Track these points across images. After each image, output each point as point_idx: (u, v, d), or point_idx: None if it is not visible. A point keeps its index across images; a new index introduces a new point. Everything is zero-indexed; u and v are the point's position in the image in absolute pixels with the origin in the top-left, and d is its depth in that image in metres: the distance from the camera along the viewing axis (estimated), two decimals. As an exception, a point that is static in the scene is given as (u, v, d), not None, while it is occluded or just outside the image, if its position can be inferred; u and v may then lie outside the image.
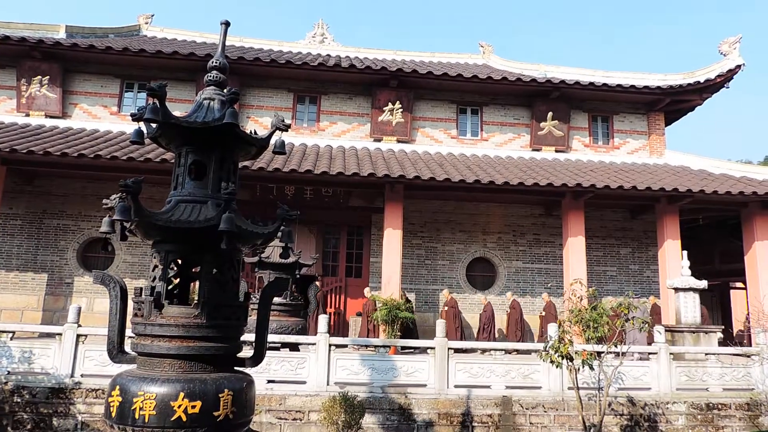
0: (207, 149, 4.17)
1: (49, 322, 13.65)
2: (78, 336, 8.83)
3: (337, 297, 15.23)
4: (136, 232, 3.97)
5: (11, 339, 8.97)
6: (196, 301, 4.04)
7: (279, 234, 4.43)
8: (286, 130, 4.44)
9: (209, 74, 4.41)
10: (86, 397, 8.55)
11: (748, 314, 14.85)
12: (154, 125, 4.07)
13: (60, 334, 8.89)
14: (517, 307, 14.25)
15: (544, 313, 14.18)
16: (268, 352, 8.90)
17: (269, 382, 8.75)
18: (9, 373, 8.76)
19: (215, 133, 4.05)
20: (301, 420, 8.46)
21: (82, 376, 8.75)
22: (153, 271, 4.12)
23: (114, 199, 3.96)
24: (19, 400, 8.57)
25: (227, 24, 4.54)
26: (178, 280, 4.34)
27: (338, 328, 14.68)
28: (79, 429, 8.46)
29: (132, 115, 4.14)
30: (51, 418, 8.52)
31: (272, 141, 4.45)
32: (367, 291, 14.05)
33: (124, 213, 3.67)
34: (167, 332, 3.85)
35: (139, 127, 4.09)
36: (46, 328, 10.25)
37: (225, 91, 4.33)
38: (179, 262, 4.24)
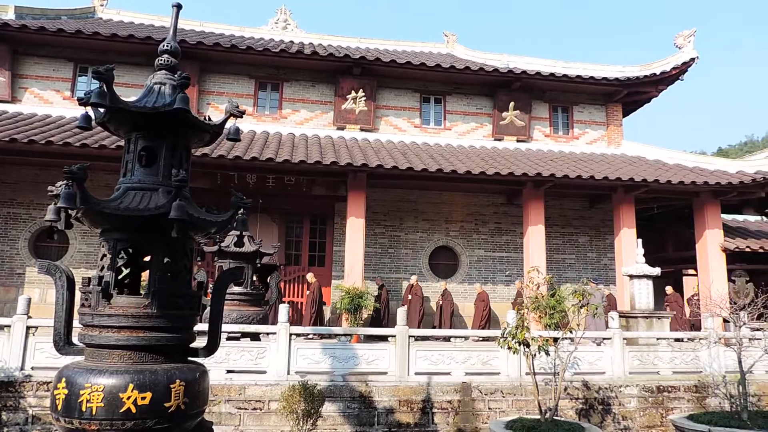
0: (158, 135, 4.07)
1: (-1, 314, 13.18)
2: (28, 328, 8.55)
3: (301, 286, 15.14)
4: (82, 220, 3.86)
5: (-43, 332, 8.63)
6: (146, 291, 3.96)
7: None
8: (241, 117, 4.35)
9: (160, 58, 4.30)
10: (37, 390, 8.30)
11: (692, 297, 15.44)
12: (102, 110, 3.95)
13: (9, 326, 8.59)
14: (486, 298, 14.51)
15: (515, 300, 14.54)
16: (228, 342, 8.87)
17: (228, 372, 8.66)
18: (-45, 367, 8.43)
19: (166, 119, 3.95)
20: (261, 410, 8.41)
21: (32, 368, 8.48)
22: (101, 260, 4.02)
23: (60, 186, 3.84)
24: (-35, 395, 8.27)
25: (179, 6, 4.43)
26: (128, 269, 4.24)
27: (301, 317, 14.60)
28: (30, 423, 8.22)
29: (79, 99, 4.00)
30: (0, 412, 8.25)
31: (226, 127, 4.36)
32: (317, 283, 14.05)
33: (69, 200, 3.57)
34: (116, 323, 3.76)
35: (86, 112, 3.96)
36: (-7, 320, 9.89)
37: (176, 75, 4.23)
38: (130, 250, 4.14)
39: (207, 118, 4.52)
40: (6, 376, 8.41)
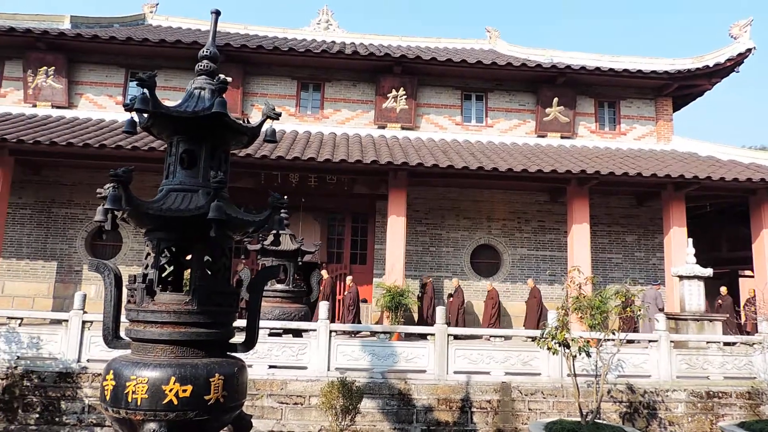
0: (197, 138, 4.22)
1: (59, 309, 13.86)
2: (84, 322, 9.00)
3: (343, 284, 15.30)
4: (128, 220, 4.05)
5: (20, 325, 9.17)
6: (187, 288, 4.12)
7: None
8: (277, 119, 4.46)
9: (200, 63, 4.45)
10: (92, 381, 8.73)
11: (749, 299, 14.72)
12: (145, 115, 4.13)
13: (66, 321, 9.07)
14: (495, 296, 14.29)
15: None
16: (270, 338, 9.07)
17: (271, 367, 8.87)
18: (18, 358, 8.97)
19: (205, 123, 4.10)
20: (301, 405, 8.58)
21: (88, 361, 8.93)
22: (146, 258, 4.21)
23: (108, 188, 4.03)
24: (28, 384, 8.78)
25: (218, 13, 4.58)
26: (171, 267, 4.42)
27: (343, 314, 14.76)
28: (86, 412, 8.66)
29: (124, 105, 4.19)
30: (59, 401, 8.72)
31: (264, 129, 4.48)
32: (349, 280, 14.11)
33: (115, 202, 3.75)
34: (159, 318, 3.93)
35: (132, 117, 4.15)
36: (51, 314, 10.48)
37: (215, 79, 4.38)
38: (173, 249, 4.31)
39: (246, 120, 4.65)
40: (64, 367, 8.89)
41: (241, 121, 4.41)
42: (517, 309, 15.07)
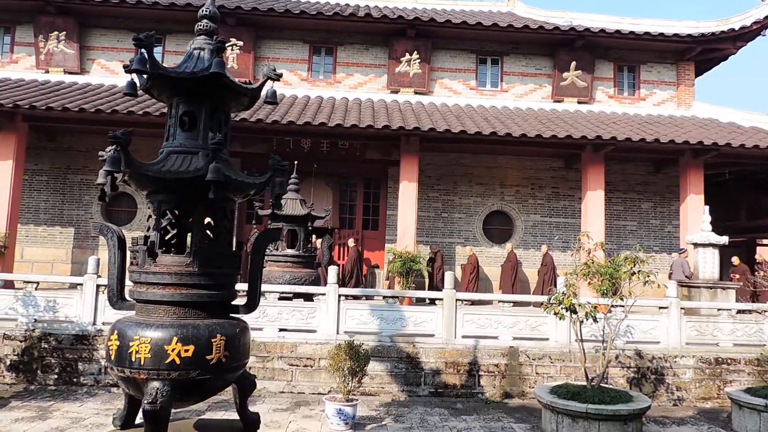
0: (197, 100, 4.18)
1: (77, 273, 14.09)
2: (98, 286, 9.17)
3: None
4: (129, 182, 4.06)
5: (36, 289, 9.37)
6: (188, 250, 4.14)
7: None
8: (278, 80, 4.39)
9: (199, 23, 4.39)
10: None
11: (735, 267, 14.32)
12: (145, 76, 4.09)
13: (81, 285, 9.25)
14: (474, 261, 14.20)
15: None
16: (280, 302, 9.16)
17: (281, 330, 9.01)
18: (36, 321, 9.20)
19: (204, 84, 4.05)
20: (311, 367, 8.74)
21: (103, 323, 9.14)
22: (148, 221, 4.24)
23: (109, 151, 4.03)
24: (46, 346, 9.04)
25: (216, -29, 4.47)
26: (175, 230, 4.44)
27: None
28: (102, 373, 8.90)
29: (124, 67, 4.15)
30: (76, 363, 8.98)
31: (264, 90, 4.42)
32: (351, 242, 14.28)
33: (114, 164, 3.75)
34: (161, 280, 3.97)
35: (132, 79, 4.11)
36: (65, 278, 10.70)
37: (214, 39, 4.31)
38: (175, 212, 4.33)
39: (246, 82, 4.59)
40: (81, 330, 9.12)
41: (250, 84, 4.35)
42: (530, 275, 15.05)
